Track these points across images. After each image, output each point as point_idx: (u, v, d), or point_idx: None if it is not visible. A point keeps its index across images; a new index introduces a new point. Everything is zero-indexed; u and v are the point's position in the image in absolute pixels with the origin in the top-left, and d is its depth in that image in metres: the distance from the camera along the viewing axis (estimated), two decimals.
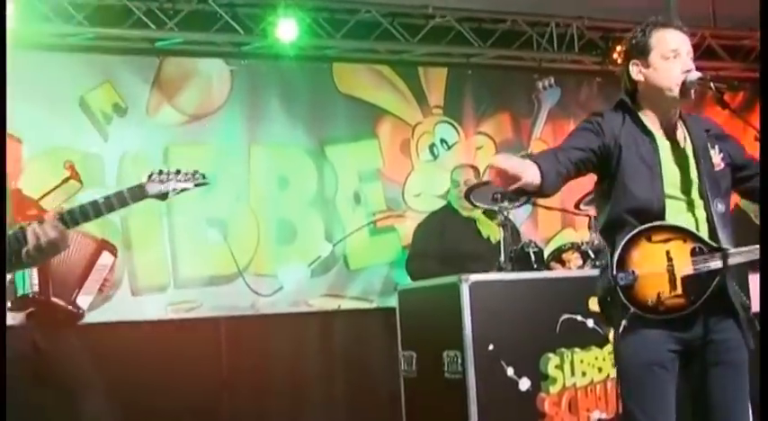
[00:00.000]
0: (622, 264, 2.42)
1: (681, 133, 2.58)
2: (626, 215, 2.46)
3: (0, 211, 2.66)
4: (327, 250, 5.69)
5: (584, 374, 4.00)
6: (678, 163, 2.53)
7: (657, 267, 2.43)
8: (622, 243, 2.43)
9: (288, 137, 5.69)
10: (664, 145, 2.54)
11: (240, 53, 5.64)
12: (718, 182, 2.52)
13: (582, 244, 4.53)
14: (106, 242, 3.50)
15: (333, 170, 5.78)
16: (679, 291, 2.42)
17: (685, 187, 2.50)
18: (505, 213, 4.31)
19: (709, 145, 2.55)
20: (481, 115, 6.21)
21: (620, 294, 2.40)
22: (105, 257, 3.48)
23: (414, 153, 6.02)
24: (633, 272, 2.41)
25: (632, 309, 2.42)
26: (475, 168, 5.18)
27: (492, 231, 4.74)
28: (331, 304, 5.67)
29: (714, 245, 2.45)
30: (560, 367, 3.97)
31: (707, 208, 2.49)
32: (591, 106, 6.31)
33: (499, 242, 4.28)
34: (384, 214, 5.86)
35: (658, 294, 2.41)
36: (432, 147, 6.08)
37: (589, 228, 4.67)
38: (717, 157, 2.55)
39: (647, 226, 2.44)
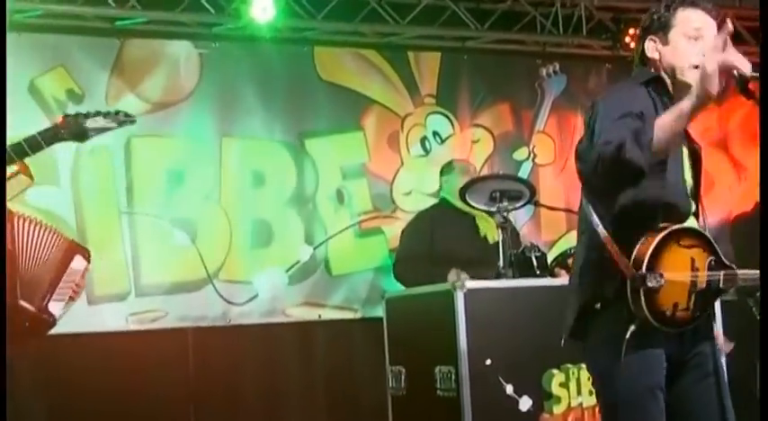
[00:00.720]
0: (650, 263, 2.36)
1: None
2: (647, 212, 2.42)
3: (0, 211, 2.61)
4: (307, 254, 5.67)
5: (591, 393, 3.94)
6: (686, 162, 2.55)
7: (683, 275, 2.42)
8: (656, 241, 2.37)
9: (263, 129, 5.68)
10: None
11: (210, 35, 5.61)
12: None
13: None
14: (78, 244, 3.46)
15: (313, 166, 5.76)
16: (690, 304, 2.42)
17: (690, 191, 2.53)
18: (504, 214, 4.30)
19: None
20: (478, 106, 6.20)
21: (642, 299, 2.35)
22: (78, 262, 3.43)
23: (403, 147, 6.01)
24: (662, 275, 2.36)
25: (645, 315, 2.35)
26: (468, 163, 5.16)
27: (490, 230, 4.72)
28: (311, 314, 5.66)
29: (728, 263, 2.47)
30: (565, 385, 3.98)
31: (699, 217, 2.54)
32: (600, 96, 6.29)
33: (497, 242, 4.26)
34: (370, 215, 5.85)
35: (675, 304, 2.39)
36: (423, 140, 6.07)
37: None
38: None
39: (679, 227, 2.43)
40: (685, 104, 2.24)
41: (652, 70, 2.55)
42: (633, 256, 2.37)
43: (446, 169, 5.14)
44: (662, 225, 2.42)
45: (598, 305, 2.43)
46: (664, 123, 2.26)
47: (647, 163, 2.25)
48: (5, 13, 3.12)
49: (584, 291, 2.48)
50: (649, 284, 2.33)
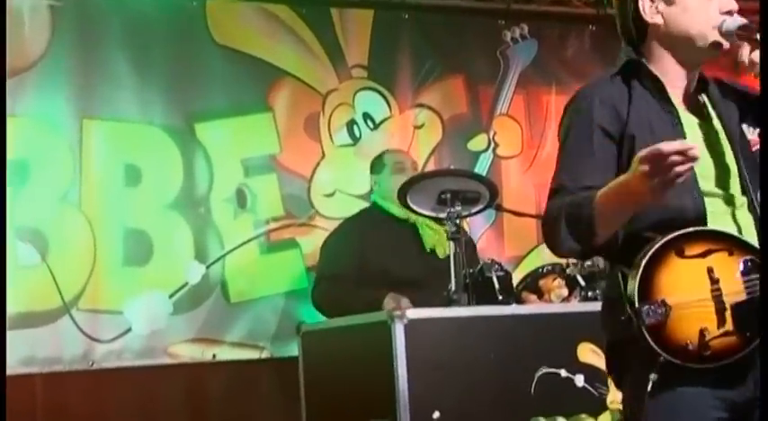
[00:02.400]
0: (645, 291, 2.39)
1: (701, 102, 2.63)
2: (648, 232, 2.48)
3: (0, 212, 2.52)
4: (198, 275, 5.66)
5: None
6: (709, 146, 2.55)
7: (697, 293, 2.42)
8: (643, 262, 2.41)
9: (139, 109, 5.64)
10: (689, 122, 2.56)
11: None
12: (757, 168, 2.56)
13: (567, 266, 4.59)
14: None
15: (206, 158, 5.76)
16: (729, 325, 2.42)
17: (721, 181, 2.54)
18: (457, 221, 4.31)
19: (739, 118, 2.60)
20: (422, 80, 6.26)
21: (647, 337, 2.38)
22: None
23: (325, 134, 6.03)
24: (663, 302, 2.38)
25: (663, 358, 2.39)
26: (407, 155, 5.18)
27: (439, 241, 4.71)
28: (203, 353, 5.65)
29: None
30: None
31: (751, 206, 2.52)
32: (581, 68, 6.36)
33: (448, 257, 4.26)
34: (281, 222, 5.86)
35: (701, 332, 2.40)
36: (351, 124, 6.11)
37: None
38: (752, 133, 2.60)
39: (675, 234, 2.44)
40: (629, 181, 2.35)
41: (655, 41, 2.56)
42: (627, 292, 2.44)
43: (378, 164, 5.15)
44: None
45: (623, 344, 2.51)
46: (605, 203, 2.40)
47: (596, 244, 2.46)
48: (5, 19, 3.10)
49: (607, 332, 2.60)
50: (647, 321, 2.37)
